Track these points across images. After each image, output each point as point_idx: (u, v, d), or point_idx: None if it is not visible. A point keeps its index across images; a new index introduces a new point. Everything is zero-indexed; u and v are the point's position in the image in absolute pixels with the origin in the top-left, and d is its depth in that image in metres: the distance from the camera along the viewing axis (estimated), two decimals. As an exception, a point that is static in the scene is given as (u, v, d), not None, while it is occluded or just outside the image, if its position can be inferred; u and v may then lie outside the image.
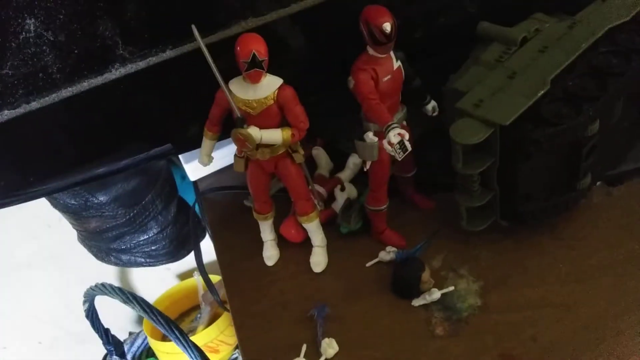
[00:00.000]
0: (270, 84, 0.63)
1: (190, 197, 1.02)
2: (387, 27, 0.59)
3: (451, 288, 0.69)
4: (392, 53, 0.63)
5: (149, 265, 1.02)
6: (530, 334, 0.64)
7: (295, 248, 0.78)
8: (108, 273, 1.50)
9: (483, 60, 0.71)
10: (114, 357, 1.32)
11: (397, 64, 0.64)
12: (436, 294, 0.68)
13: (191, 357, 0.98)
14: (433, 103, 0.71)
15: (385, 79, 0.63)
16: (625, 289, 0.65)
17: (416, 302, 0.69)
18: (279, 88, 0.64)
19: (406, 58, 0.66)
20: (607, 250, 0.69)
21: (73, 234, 1.27)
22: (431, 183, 0.79)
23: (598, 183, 0.74)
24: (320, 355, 0.66)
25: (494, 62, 0.70)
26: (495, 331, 0.65)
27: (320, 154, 0.86)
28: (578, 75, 0.65)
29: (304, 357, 0.66)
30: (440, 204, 0.79)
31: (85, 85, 0.63)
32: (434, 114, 0.71)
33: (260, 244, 0.79)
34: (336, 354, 0.66)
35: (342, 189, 0.79)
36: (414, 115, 0.71)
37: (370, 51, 0.62)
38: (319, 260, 0.75)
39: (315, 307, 0.70)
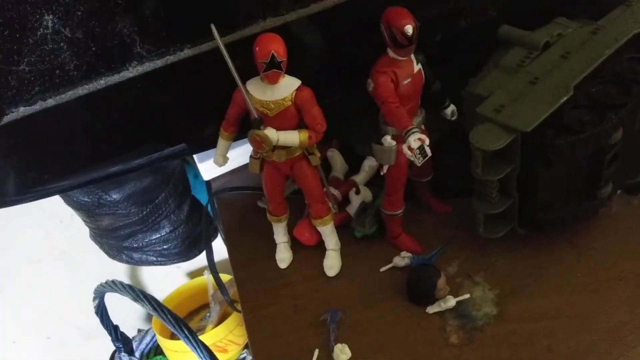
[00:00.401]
0: (288, 85, 0.63)
1: (203, 196, 1.02)
2: (409, 29, 0.58)
3: (467, 296, 0.68)
4: (412, 56, 0.62)
5: (161, 264, 1.02)
6: (546, 344, 0.63)
7: (309, 251, 0.78)
8: (119, 270, 1.50)
9: (504, 64, 0.70)
10: (123, 353, 1.32)
11: (417, 67, 0.63)
12: (451, 302, 0.67)
13: (200, 356, 0.98)
14: (452, 107, 0.70)
15: (405, 82, 0.62)
16: (643, 301, 0.64)
17: (431, 309, 0.68)
18: (297, 89, 0.63)
19: (427, 61, 0.65)
20: (626, 261, 0.68)
21: (85, 230, 1.27)
22: (448, 187, 0.78)
23: (618, 192, 0.73)
24: (332, 361, 0.65)
25: (515, 66, 0.69)
26: (510, 341, 0.64)
27: (335, 156, 0.85)
28: (602, 81, 0.63)
29: (316, 362, 0.66)
30: (456, 209, 0.78)
31: (102, 83, 0.63)
32: (453, 118, 0.71)
33: (273, 245, 0.78)
34: (349, 360, 0.65)
35: (357, 192, 0.78)
36: (432, 118, 0.70)
37: (391, 53, 0.61)
38: (332, 263, 0.74)
39: (328, 311, 0.69)
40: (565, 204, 0.67)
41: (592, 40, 0.67)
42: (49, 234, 1.41)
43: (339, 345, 0.65)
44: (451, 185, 0.78)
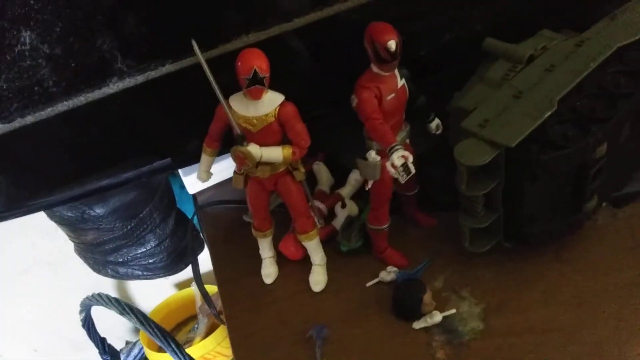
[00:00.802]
0: (271, 101, 0.62)
1: (188, 207, 1.01)
2: (392, 45, 0.57)
3: (453, 311, 0.67)
4: (396, 71, 0.62)
5: (146, 278, 1.01)
6: (533, 358, 0.62)
7: (295, 266, 0.77)
8: (106, 281, 1.48)
9: (488, 78, 0.70)
10: (110, 366, 1.30)
11: (401, 82, 0.63)
12: (437, 317, 0.67)
13: (187, 369, 0.97)
14: (437, 121, 0.70)
15: (389, 97, 0.62)
16: (630, 314, 0.64)
17: (417, 325, 0.67)
18: (280, 105, 0.62)
19: (410, 76, 0.64)
20: (612, 274, 0.68)
21: (71, 243, 1.26)
22: (434, 201, 0.78)
23: (603, 204, 0.73)
24: (318, 377, 0.64)
25: (500, 80, 0.69)
26: (496, 356, 0.63)
27: (321, 169, 0.85)
28: (586, 95, 0.63)
29: (302, 379, 0.65)
30: (442, 222, 0.77)
31: (82, 99, 0.62)
32: (438, 132, 0.70)
33: (258, 260, 0.77)
34: (335, 377, 0.64)
35: (343, 206, 0.78)
36: (417, 132, 0.70)
37: (374, 69, 0.61)
38: (318, 279, 0.73)
39: (314, 327, 0.68)
40: (551, 218, 0.66)
41: (577, 53, 0.67)
42: (35, 246, 1.39)
43: (324, 362, 0.65)
44: (437, 199, 0.77)
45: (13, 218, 0.75)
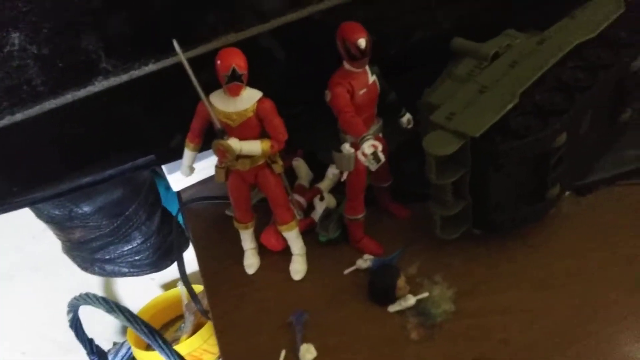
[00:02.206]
0: (249, 97, 0.65)
1: (174, 208, 1.04)
2: (362, 42, 0.61)
3: (426, 294, 0.71)
4: (367, 68, 0.66)
5: (133, 275, 1.04)
6: (501, 337, 0.66)
7: (276, 256, 0.80)
8: (92, 283, 1.51)
9: (455, 74, 0.74)
10: (98, 367, 1.32)
11: (372, 78, 0.66)
12: (411, 300, 0.70)
13: (174, 366, 0.99)
14: (408, 116, 0.73)
15: (361, 92, 0.65)
16: (592, 296, 0.68)
17: (392, 308, 0.70)
18: (258, 101, 0.66)
19: (381, 73, 0.68)
20: (575, 259, 0.72)
21: (57, 244, 1.28)
22: (406, 193, 0.81)
23: (567, 193, 0.77)
24: (299, 360, 0.67)
25: (466, 76, 0.72)
26: (468, 335, 0.67)
27: (300, 165, 0.88)
28: (546, 89, 0.67)
29: (283, 362, 0.68)
30: (415, 213, 0.81)
31: (69, 97, 0.65)
32: (409, 127, 0.74)
33: (241, 252, 0.80)
34: (314, 359, 0.67)
35: (322, 199, 0.81)
36: (390, 129, 0.74)
37: (347, 66, 0.64)
38: (298, 268, 0.77)
39: (294, 313, 0.71)
40: (516, 206, 0.70)
41: (538, 50, 0.71)
42: (21, 249, 1.41)
43: (304, 345, 0.68)
44: (410, 190, 0.81)
45: (0, 213, 0.77)
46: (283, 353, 0.68)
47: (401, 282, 0.70)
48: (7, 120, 0.64)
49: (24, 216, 0.95)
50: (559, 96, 0.67)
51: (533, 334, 0.66)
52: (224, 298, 0.77)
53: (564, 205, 0.77)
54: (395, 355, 0.67)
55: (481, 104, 0.67)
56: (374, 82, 0.67)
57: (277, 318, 0.73)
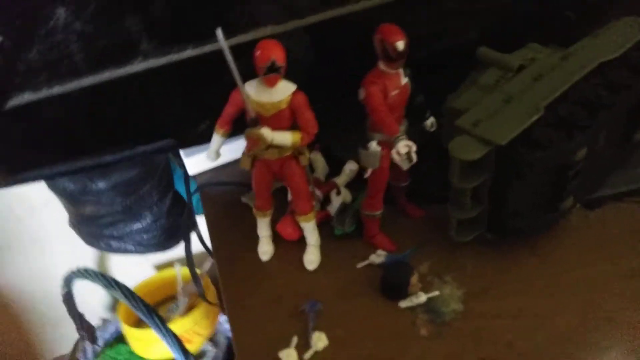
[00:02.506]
0: (284, 89, 0.67)
1: (183, 189, 1.05)
2: (401, 45, 0.63)
3: (436, 293, 0.73)
4: (401, 70, 0.67)
5: (138, 253, 1.05)
6: (507, 340, 0.68)
7: (289, 246, 0.82)
8: (87, 259, 1.51)
9: (481, 83, 0.76)
10: (86, 342, 1.33)
11: (405, 80, 0.68)
12: (422, 297, 0.72)
13: (169, 344, 1.00)
14: (432, 119, 0.75)
15: (394, 93, 0.67)
16: (595, 306, 0.70)
17: (403, 304, 0.73)
18: (293, 93, 0.67)
19: (412, 76, 0.70)
20: (581, 269, 0.75)
21: (56, 219, 1.28)
22: (423, 194, 0.83)
23: (577, 206, 0.79)
24: (309, 347, 0.69)
25: (492, 85, 0.75)
26: (475, 336, 0.69)
27: (317, 159, 0.90)
28: (570, 104, 0.70)
29: (294, 348, 0.70)
30: (429, 214, 0.83)
31: (106, 75, 0.66)
32: (432, 129, 0.76)
33: (254, 240, 0.82)
34: (325, 349, 0.69)
35: (338, 193, 0.83)
36: (412, 130, 0.76)
37: (382, 66, 0.66)
38: (312, 258, 0.78)
39: (307, 302, 0.73)
40: (531, 214, 0.73)
41: (562, 65, 0.74)
42: (20, 221, 1.41)
43: (316, 333, 0.70)
44: (426, 192, 0.83)
45: (21, 184, 0.78)
46: (295, 339, 0.70)
47: (414, 279, 0.72)
48: (45, 92, 0.65)
49: (25, 187, 0.96)
50: (581, 111, 0.69)
51: (538, 339, 0.68)
52: (237, 284, 0.79)
53: (573, 217, 0.79)
54: (404, 349, 0.69)
55: (506, 113, 0.69)
56: (406, 84, 0.69)
57: (289, 306, 0.74)
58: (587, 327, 0.69)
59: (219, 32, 0.62)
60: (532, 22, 0.83)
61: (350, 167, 0.86)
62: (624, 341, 0.67)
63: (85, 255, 1.47)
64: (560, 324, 0.69)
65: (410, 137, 0.74)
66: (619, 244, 0.76)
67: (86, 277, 1.13)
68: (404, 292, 0.72)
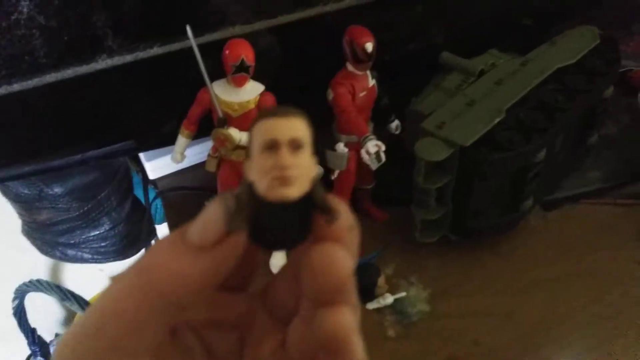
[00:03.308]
0: (253, 89, 0.67)
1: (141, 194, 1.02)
2: (369, 46, 0.64)
3: (403, 294, 0.74)
4: (368, 71, 0.68)
5: (95, 262, 1.01)
6: (473, 338, 0.70)
7: (255, 250, 0.81)
8: (40, 270, 1.45)
9: (444, 87, 0.78)
10: (39, 358, 1.28)
11: (372, 82, 0.69)
12: (389, 299, 0.73)
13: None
14: (397, 122, 0.76)
15: (362, 94, 0.68)
16: (557, 302, 0.73)
17: (370, 306, 0.73)
18: (261, 94, 0.67)
19: (379, 78, 0.71)
20: (541, 268, 0.77)
21: (5, 227, 1.22)
22: (387, 197, 0.84)
23: (536, 207, 0.82)
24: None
25: (454, 89, 0.76)
26: (441, 335, 0.70)
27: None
28: (529, 107, 0.72)
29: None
30: (393, 217, 0.84)
31: (69, 72, 0.64)
32: (397, 132, 0.77)
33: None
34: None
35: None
36: (375, 132, 0.76)
37: (350, 67, 0.67)
38: (277, 262, 0.78)
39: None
40: (493, 215, 0.74)
41: (522, 70, 0.76)
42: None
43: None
44: (389, 195, 0.84)
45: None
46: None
47: (381, 280, 0.73)
48: (4, 89, 0.63)
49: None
50: (540, 115, 0.72)
51: (502, 336, 0.70)
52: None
53: (532, 218, 0.82)
54: (372, 350, 0.68)
55: (469, 116, 0.71)
56: (373, 85, 0.69)
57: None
58: (549, 324, 0.71)
59: (189, 29, 0.62)
60: (492, 29, 0.85)
61: (317, 170, 0.86)
62: (586, 336, 0.69)
63: (38, 265, 1.42)
64: (523, 322, 0.71)
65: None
66: (577, 243, 0.79)
67: (40, 289, 1.09)
68: (371, 293, 0.73)
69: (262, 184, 0.22)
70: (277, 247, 0.26)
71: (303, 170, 0.22)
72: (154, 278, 0.22)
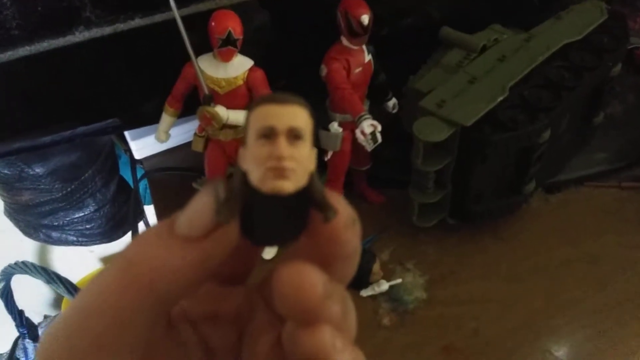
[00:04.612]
0: (241, 64, 0.63)
1: (129, 175, 0.99)
2: (365, 19, 0.60)
3: (399, 281, 0.71)
4: (364, 46, 0.64)
5: (81, 245, 0.98)
6: (472, 327, 0.67)
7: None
8: (26, 252, 1.42)
9: (444, 63, 0.74)
10: (27, 340, 1.25)
11: (368, 57, 0.65)
12: (384, 286, 0.70)
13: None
14: (394, 100, 0.72)
15: (357, 70, 0.64)
16: (558, 290, 0.70)
17: (365, 293, 0.70)
18: (250, 69, 0.63)
19: (376, 53, 0.67)
20: (543, 253, 0.74)
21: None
22: (383, 178, 0.80)
23: (539, 190, 0.78)
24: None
25: (455, 66, 0.72)
26: (439, 324, 0.67)
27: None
28: (534, 85, 0.68)
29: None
30: (389, 199, 0.80)
31: (45, 45, 0.60)
32: (394, 111, 0.73)
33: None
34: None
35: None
36: (372, 110, 0.73)
37: (345, 42, 0.63)
38: (269, 247, 0.75)
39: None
40: (494, 198, 0.71)
41: (526, 47, 0.72)
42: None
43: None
44: (386, 176, 0.80)
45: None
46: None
47: (376, 266, 0.70)
48: (-26, 63, 0.59)
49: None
50: (545, 93, 0.68)
51: (502, 325, 0.67)
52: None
53: (534, 201, 0.78)
54: (367, 339, 0.66)
55: (471, 94, 0.67)
56: (369, 61, 0.66)
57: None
58: (550, 313, 0.68)
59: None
60: (494, 3, 0.81)
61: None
62: (586, 326, 0.66)
63: (25, 247, 1.39)
64: (523, 310, 0.68)
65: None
66: (580, 228, 0.76)
67: (25, 272, 1.06)
68: (365, 280, 0.70)
69: (256, 174, 0.20)
70: (267, 242, 0.23)
71: (301, 163, 0.21)
72: (140, 272, 0.21)
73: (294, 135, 0.20)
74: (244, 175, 0.21)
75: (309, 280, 0.21)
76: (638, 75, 0.91)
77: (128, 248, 0.21)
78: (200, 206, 0.21)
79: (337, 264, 0.23)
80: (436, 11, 0.78)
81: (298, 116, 0.20)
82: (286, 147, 0.20)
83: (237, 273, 0.27)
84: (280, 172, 0.20)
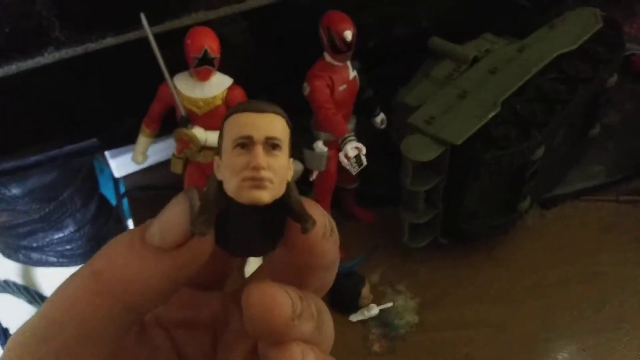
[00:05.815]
0: (219, 83, 0.60)
1: (110, 192, 0.95)
2: (349, 35, 0.57)
3: (390, 304, 0.68)
4: (348, 62, 0.61)
5: (62, 266, 0.95)
6: (465, 352, 0.64)
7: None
8: (10, 270, 1.38)
9: (433, 76, 0.71)
10: None
11: (353, 74, 0.62)
12: (374, 310, 0.67)
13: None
14: (382, 115, 0.70)
15: (341, 88, 0.61)
16: (554, 312, 0.67)
17: (354, 317, 0.67)
18: (229, 88, 0.60)
19: (361, 68, 0.64)
20: (539, 273, 0.71)
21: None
22: (372, 196, 0.78)
23: (534, 206, 0.76)
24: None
25: (445, 78, 0.70)
26: (431, 350, 0.65)
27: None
28: (527, 99, 0.65)
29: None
30: (380, 217, 0.77)
31: (13, 68, 0.57)
32: (382, 127, 0.70)
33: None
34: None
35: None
36: (359, 127, 0.70)
37: (328, 58, 0.60)
38: (252, 268, 0.71)
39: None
40: (487, 216, 0.68)
41: (519, 57, 0.70)
42: None
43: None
44: (375, 193, 0.77)
45: None
46: None
47: (366, 290, 0.67)
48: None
49: None
50: (539, 107, 0.65)
51: (496, 350, 0.64)
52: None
53: (529, 217, 0.76)
54: (356, 367, 0.63)
55: (461, 109, 0.64)
56: (354, 77, 0.63)
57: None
58: (547, 336, 0.65)
59: (143, 17, 0.55)
60: (486, 12, 0.78)
61: (295, 167, 0.79)
62: (585, 349, 0.64)
63: (8, 265, 1.35)
64: (519, 333, 0.66)
65: (359, 135, 0.69)
66: (577, 245, 0.73)
67: (7, 291, 1.04)
68: (354, 304, 0.67)
69: (231, 183, 0.20)
70: (243, 253, 0.22)
71: (278, 173, 0.20)
72: (109, 282, 0.20)
73: (271, 145, 0.20)
74: (219, 185, 0.20)
75: (276, 302, 0.20)
76: (635, 82, 0.88)
77: (97, 258, 0.20)
78: (174, 217, 0.20)
79: (315, 274, 0.23)
80: (425, 20, 0.75)
81: (275, 125, 0.20)
82: (263, 157, 0.20)
83: (212, 279, 0.27)
84: (257, 183, 0.19)
